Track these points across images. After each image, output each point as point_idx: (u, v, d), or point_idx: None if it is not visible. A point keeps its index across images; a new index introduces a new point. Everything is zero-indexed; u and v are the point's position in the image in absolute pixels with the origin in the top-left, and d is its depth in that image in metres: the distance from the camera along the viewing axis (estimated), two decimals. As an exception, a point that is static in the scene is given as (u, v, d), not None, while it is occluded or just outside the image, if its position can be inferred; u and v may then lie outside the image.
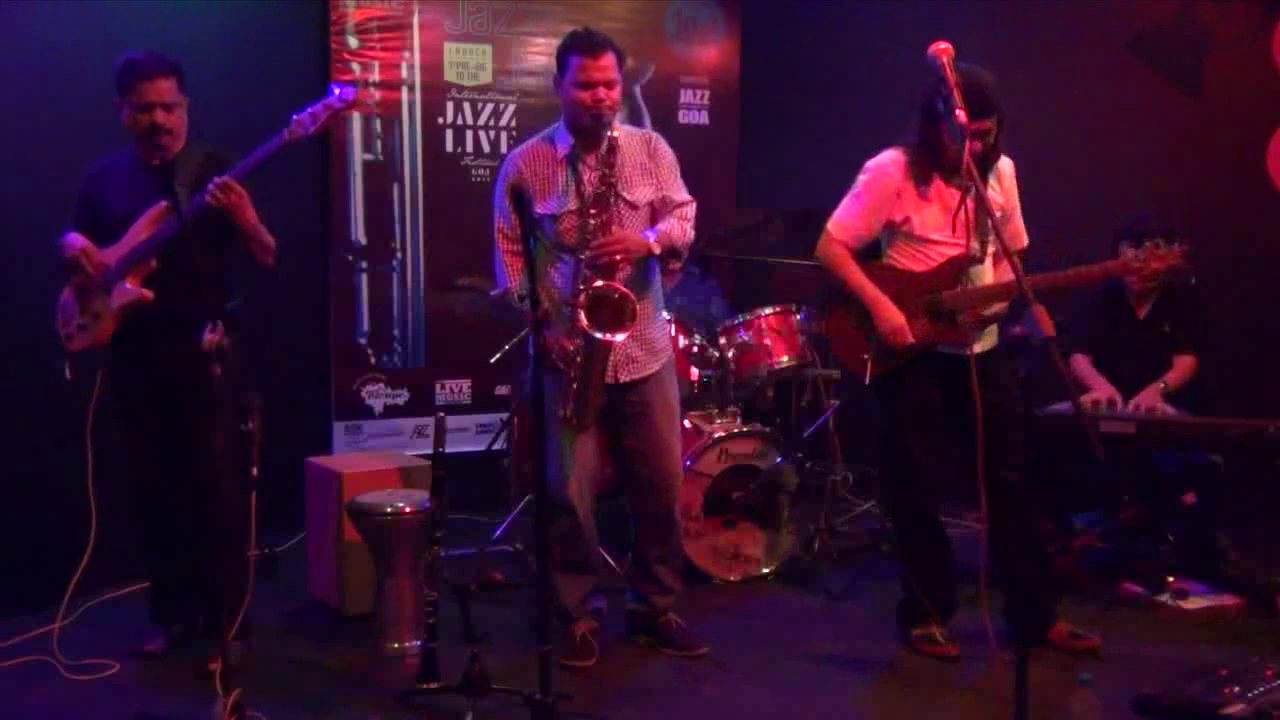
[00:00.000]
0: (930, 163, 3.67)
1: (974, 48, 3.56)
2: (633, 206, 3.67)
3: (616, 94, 3.59)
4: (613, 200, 3.58)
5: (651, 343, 3.76)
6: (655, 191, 3.72)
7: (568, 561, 3.83)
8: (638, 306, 3.50)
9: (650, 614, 3.95)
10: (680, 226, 3.72)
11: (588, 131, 3.60)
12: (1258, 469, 4.34)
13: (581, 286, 3.52)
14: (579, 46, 3.57)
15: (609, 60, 3.56)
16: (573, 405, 3.58)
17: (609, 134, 3.55)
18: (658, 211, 3.74)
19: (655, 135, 3.81)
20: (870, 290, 3.73)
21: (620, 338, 3.50)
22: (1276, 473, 4.26)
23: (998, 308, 3.69)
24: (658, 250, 3.63)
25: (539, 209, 3.63)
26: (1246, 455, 4.26)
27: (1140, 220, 4.46)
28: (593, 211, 3.56)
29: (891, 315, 3.68)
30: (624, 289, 3.49)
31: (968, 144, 3.14)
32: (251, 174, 3.52)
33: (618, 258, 3.52)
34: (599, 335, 3.47)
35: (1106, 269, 3.68)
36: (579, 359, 3.53)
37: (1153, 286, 4.65)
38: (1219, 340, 4.76)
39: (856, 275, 3.77)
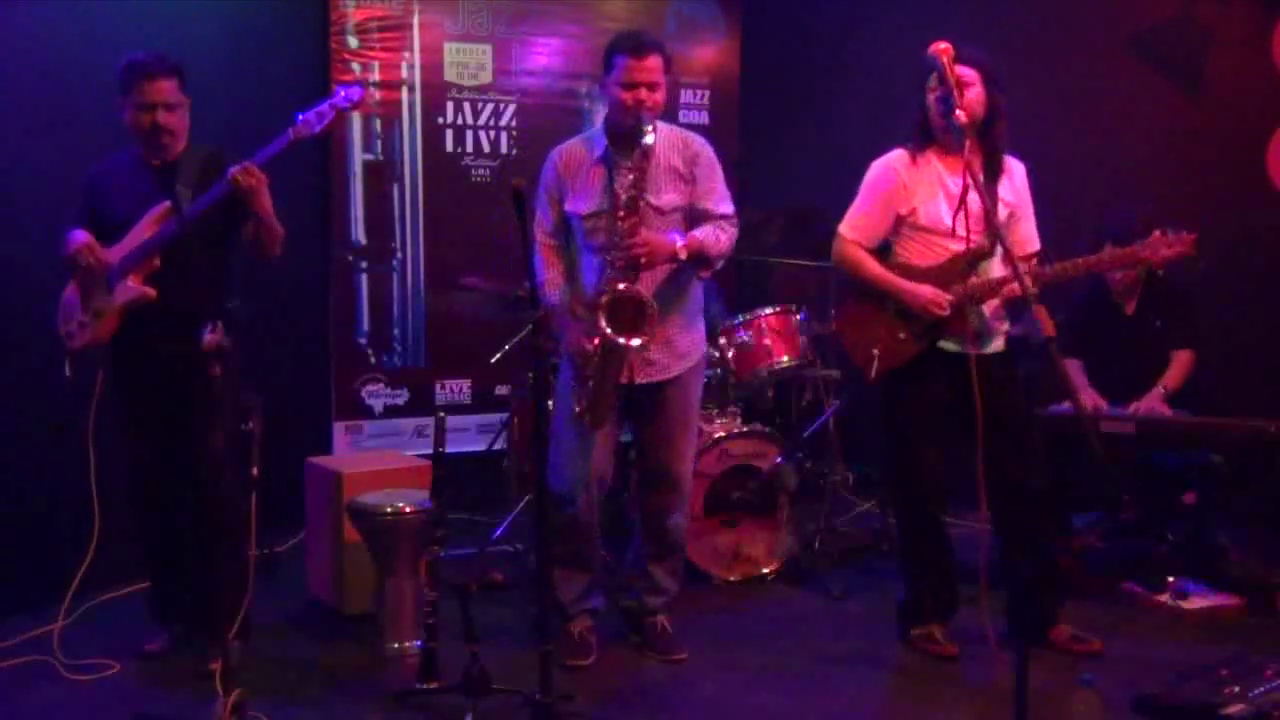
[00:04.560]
0: (928, 144, 3.67)
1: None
2: (659, 211, 3.62)
3: (659, 96, 3.59)
4: (642, 205, 3.54)
5: (674, 346, 3.72)
6: (685, 198, 3.67)
7: (564, 555, 3.80)
8: (659, 311, 3.47)
9: (640, 612, 3.94)
10: (716, 235, 3.64)
11: (628, 131, 3.56)
12: (1258, 469, 4.34)
13: (605, 288, 3.49)
14: (625, 47, 3.58)
15: (654, 62, 3.57)
16: (587, 404, 3.57)
17: (643, 139, 3.49)
18: (692, 220, 3.69)
19: (698, 140, 3.74)
20: (893, 278, 3.70)
21: (636, 343, 3.45)
22: (1277, 473, 4.27)
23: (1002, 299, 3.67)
24: (684, 256, 3.57)
25: (571, 207, 3.65)
26: (1247, 455, 4.26)
27: (1123, 218, 4.41)
28: (621, 214, 3.50)
29: (920, 290, 3.63)
30: (645, 294, 3.47)
31: (968, 140, 3.15)
32: (263, 167, 3.52)
33: (642, 260, 3.49)
34: (615, 338, 3.44)
35: (1116, 257, 3.62)
36: (596, 359, 3.52)
37: (1135, 281, 4.61)
38: (1218, 338, 4.75)
39: (876, 268, 3.74)
